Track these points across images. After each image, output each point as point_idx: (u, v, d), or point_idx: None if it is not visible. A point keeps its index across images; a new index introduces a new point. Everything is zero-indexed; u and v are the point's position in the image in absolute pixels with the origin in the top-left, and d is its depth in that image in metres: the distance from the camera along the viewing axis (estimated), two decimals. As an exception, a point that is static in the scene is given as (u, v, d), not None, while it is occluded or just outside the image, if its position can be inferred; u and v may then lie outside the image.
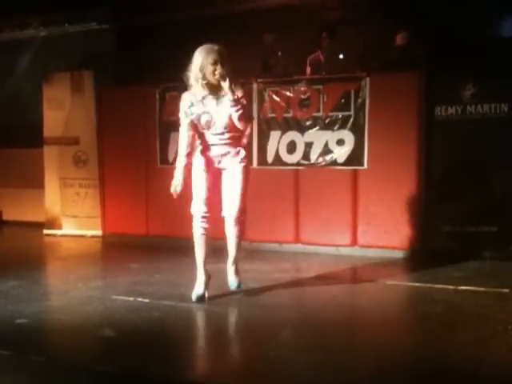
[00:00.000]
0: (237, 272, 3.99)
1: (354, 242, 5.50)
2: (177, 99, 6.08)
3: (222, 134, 3.77)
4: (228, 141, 3.80)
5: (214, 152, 3.82)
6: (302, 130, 5.57)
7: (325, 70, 6.09)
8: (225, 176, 3.86)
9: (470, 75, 5.14)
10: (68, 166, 6.90)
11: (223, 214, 3.88)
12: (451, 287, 4.24)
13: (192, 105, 3.76)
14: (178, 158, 3.92)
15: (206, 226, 3.82)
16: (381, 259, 5.25)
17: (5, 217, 8.08)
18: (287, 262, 5.04)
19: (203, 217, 3.81)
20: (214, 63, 3.62)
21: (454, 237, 5.28)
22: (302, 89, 5.56)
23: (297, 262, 5.25)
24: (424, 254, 5.33)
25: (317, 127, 5.55)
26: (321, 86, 5.54)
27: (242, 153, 3.85)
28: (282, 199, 5.62)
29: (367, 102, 5.34)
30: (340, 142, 5.47)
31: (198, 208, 3.83)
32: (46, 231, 6.98)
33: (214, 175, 3.85)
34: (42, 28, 8.29)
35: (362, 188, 5.42)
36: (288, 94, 5.62)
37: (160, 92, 6.18)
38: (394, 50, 5.99)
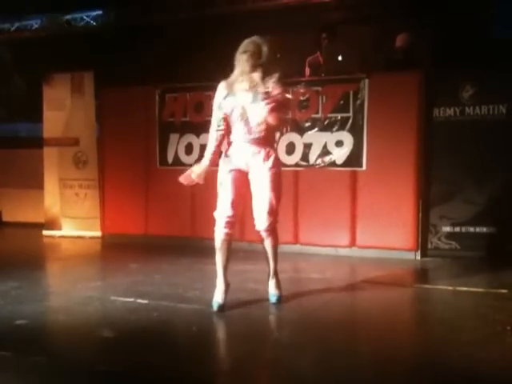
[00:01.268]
0: (278, 285, 3.76)
1: (352, 243, 5.51)
2: (176, 100, 6.20)
3: (254, 131, 3.51)
4: (259, 140, 3.54)
5: (243, 151, 3.56)
6: (301, 131, 5.58)
7: (324, 72, 6.10)
8: (253, 182, 3.61)
9: (468, 77, 5.16)
10: (68, 167, 6.91)
11: (256, 227, 3.64)
12: (450, 288, 4.25)
13: (227, 95, 3.54)
14: (205, 153, 3.69)
15: (228, 231, 3.58)
16: (379, 260, 5.26)
17: (4, 217, 8.10)
18: (286, 262, 5.03)
19: (227, 222, 3.56)
20: (246, 53, 3.45)
21: (452, 237, 5.30)
22: (301, 90, 5.58)
23: (296, 262, 5.26)
24: (423, 255, 5.35)
25: (316, 128, 5.57)
26: (320, 88, 5.56)
27: (273, 156, 3.59)
28: (281, 200, 5.62)
29: (366, 103, 5.36)
30: (339, 144, 5.48)
31: (222, 212, 3.58)
32: (45, 232, 6.99)
33: (242, 178, 3.60)
34: (42, 28, 8.31)
35: (360, 189, 5.43)
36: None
37: (160, 93, 6.20)
38: (395, 51, 6.00)
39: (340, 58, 6.04)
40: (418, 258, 5.33)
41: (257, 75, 3.43)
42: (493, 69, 5.05)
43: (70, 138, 6.86)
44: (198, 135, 6.01)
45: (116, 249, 6.08)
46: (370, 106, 5.35)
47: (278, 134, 4.16)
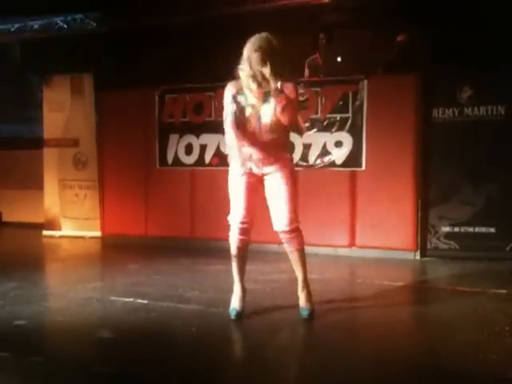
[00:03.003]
0: (309, 298, 3.52)
1: (352, 243, 5.52)
2: (176, 101, 6.21)
3: (266, 132, 3.33)
4: (272, 142, 3.35)
5: (255, 153, 3.36)
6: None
7: (323, 73, 6.11)
8: (267, 183, 3.44)
9: (467, 77, 5.17)
10: (67, 168, 6.93)
11: (275, 228, 3.47)
12: (449, 288, 4.26)
13: (238, 93, 3.33)
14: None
15: (243, 237, 3.46)
16: (379, 260, 5.27)
17: (4, 218, 8.11)
18: (286, 262, 5.05)
19: (241, 228, 3.44)
20: (259, 49, 3.24)
21: (451, 237, 5.30)
22: (300, 91, 5.57)
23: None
24: (422, 255, 5.35)
25: (315, 129, 5.58)
26: (319, 89, 5.57)
27: (286, 156, 3.46)
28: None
29: (365, 104, 5.37)
30: (338, 144, 5.49)
31: (234, 217, 3.45)
32: (45, 232, 7.00)
33: (255, 181, 3.43)
34: (41, 30, 8.31)
35: (360, 189, 5.44)
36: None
37: (159, 94, 6.21)
38: (389, 51, 5.98)
39: (339, 59, 6.05)
40: (418, 257, 5.34)
41: (268, 72, 3.21)
42: (491, 70, 5.06)
43: (70, 138, 6.88)
44: (197, 136, 6.03)
45: (116, 249, 6.09)
46: (368, 107, 5.36)
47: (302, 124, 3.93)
